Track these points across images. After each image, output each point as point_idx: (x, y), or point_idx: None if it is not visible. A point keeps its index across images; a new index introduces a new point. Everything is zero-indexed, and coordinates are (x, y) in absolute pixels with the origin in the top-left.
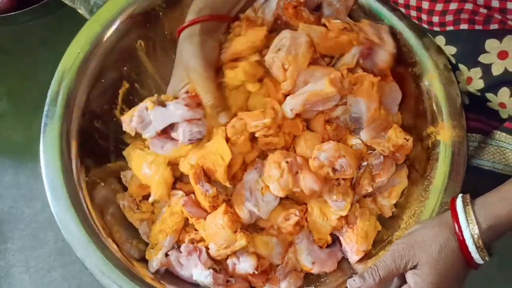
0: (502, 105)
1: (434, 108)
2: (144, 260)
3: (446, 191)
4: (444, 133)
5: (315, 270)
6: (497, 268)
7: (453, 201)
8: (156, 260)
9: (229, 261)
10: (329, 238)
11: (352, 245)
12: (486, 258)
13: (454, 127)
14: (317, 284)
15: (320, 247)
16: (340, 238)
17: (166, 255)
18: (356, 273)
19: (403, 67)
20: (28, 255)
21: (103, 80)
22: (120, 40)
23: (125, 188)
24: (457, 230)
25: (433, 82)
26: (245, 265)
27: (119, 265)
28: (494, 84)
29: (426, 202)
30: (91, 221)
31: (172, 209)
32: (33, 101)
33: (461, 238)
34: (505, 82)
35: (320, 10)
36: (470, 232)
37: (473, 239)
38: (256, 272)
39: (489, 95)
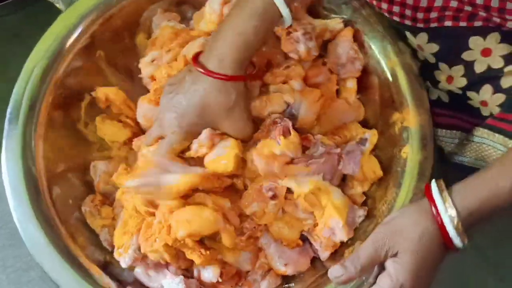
0: (484, 103)
1: (398, 95)
2: (106, 267)
3: (418, 175)
4: (410, 119)
5: (289, 271)
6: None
7: (428, 188)
8: (128, 255)
9: (194, 269)
10: (300, 242)
11: (321, 242)
12: (466, 241)
13: (419, 112)
14: (297, 280)
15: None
16: (309, 237)
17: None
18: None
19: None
20: (6, 254)
21: (63, 94)
22: (81, 52)
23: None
24: (435, 215)
25: (394, 70)
26: (208, 274)
27: (85, 275)
28: (476, 81)
29: (398, 188)
30: (55, 228)
31: (127, 209)
32: (4, 96)
33: (440, 223)
34: (488, 79)
35: None
36: (449, 217)
37: (453, 224)
38: (220, 280)
39: (470, 94)
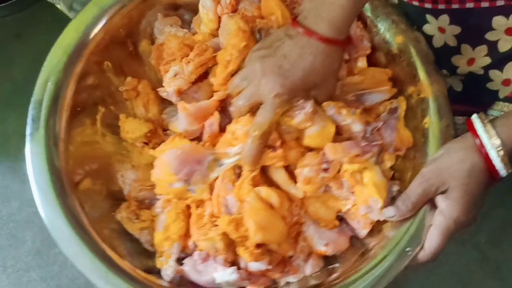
0: (507, 82)
1: (409, 69)
2: (150, 272)
3: (441, 144)
4: (425, 90)
5: (329, 251)
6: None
7: (470, 122)
8: (169, 269)
9: (241, 261)
10: (337, 222)
11: (359, 221)
12: (510, 170)
13: (432, 83)
14: (339, 260)
15: None
16: (345, 216)
17: (181, 263)
18: (368, 248)
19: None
20: (6, 254)
21: (78, 109)
22: (88, 68)
23: (118, 204)
24: (480, 147)
25: (403, 44)
26: (256, 264)
27: (130, 279)
28: (501, 59)
29: (424, 158)
30: (90, 234)
31: (177, 210)
32: (7, 96)
33: (484, 154)
34: None
35: None
36: (494, 148)
37: (498, 154)
38: (270, 268)
39: (493, 73)
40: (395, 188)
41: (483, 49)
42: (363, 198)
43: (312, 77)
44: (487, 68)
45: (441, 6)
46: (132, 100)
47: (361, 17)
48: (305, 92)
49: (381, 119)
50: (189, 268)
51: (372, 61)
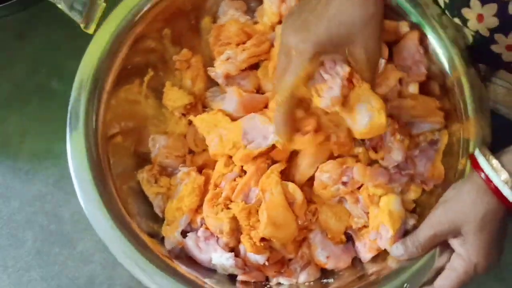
0: (510, 47)
1: (461, 106)
2: (152, 236)
3: None
4: (470, 131)
5: (329, 265)
6: None
7: (473, 158)
8: (173, 239)
9: (241, 247)
10: (343, 238)
11: (365, 243)
12: None
13: (481, 125)
14: (335, 277)
15: None
16: (353, 235)
17: (185, 235)
18: (367, 273)
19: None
20: (6, 254)
21: (129, 67)
22: (148, 30)
23: (142, 165)
24: (487, 181)
25: (459, 79)
26: (255, 257)
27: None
28: (508, 23)
29: None
30: (130, 227)
31: (193, 185)
32: (7, 96)
33: (493, 188)
34: None
35: None
36: (502, 181)
37: (508, 186)
38: (267, 264)
39: (498, 36)
40: (412, 222)
41: (492, 7)
42: (376, 223)
43: (339, 27)
44: (493, 31)
45: None
46: (182, 71)
47: (423, 43)
48: (335, 49)
49: (419, 148)
50: (191, 243)
51: (425, 91)
